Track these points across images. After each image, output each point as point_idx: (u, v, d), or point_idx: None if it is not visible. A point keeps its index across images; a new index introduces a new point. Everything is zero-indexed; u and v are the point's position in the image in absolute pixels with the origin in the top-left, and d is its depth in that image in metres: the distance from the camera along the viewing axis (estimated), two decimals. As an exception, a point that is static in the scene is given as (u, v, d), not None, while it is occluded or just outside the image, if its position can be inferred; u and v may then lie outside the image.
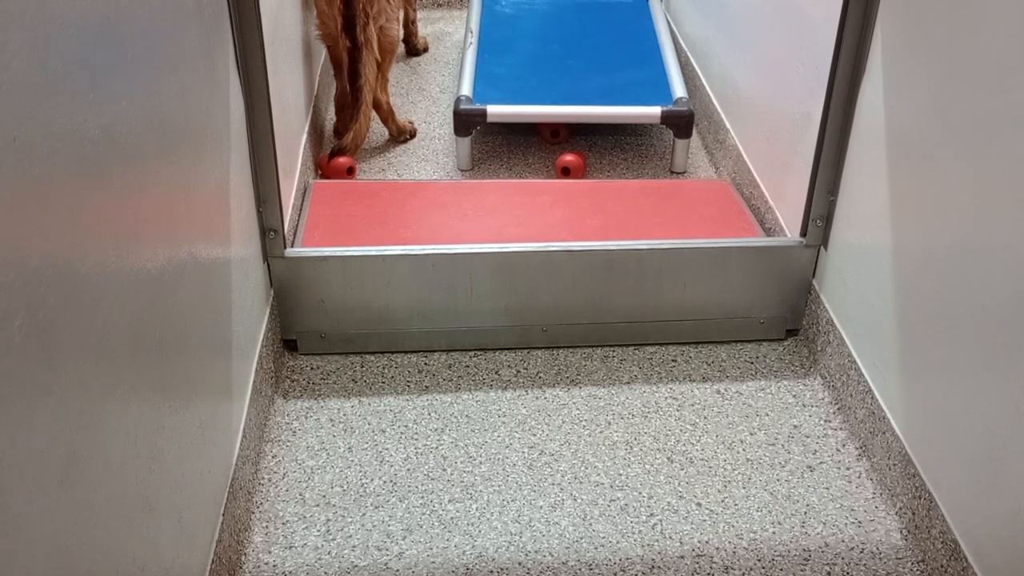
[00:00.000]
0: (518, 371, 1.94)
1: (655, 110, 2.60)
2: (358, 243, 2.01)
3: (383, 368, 1.95)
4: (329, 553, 1.54)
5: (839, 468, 1.72)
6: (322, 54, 2.91)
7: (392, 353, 1.98)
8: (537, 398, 1.87)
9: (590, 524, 1.60)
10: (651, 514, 1.62)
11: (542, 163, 2.72)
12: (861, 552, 1.56)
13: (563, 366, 1.96)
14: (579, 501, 1.64)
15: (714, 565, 1.53)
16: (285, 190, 1.96)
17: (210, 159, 1.43)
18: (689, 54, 3.07)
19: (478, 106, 2.60)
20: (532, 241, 1.97)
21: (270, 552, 1.54)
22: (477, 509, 1.63)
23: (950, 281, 1.44)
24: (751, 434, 1.79)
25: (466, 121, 2.61)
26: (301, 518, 1.60)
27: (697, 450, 1.75)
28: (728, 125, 2.62)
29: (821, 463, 1.73)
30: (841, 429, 1.80)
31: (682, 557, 1.54)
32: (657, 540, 1.57)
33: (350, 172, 2.57)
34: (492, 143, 2.82)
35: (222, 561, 1.41)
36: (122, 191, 1.03)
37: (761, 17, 2.36)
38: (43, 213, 0.82)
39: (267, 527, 1.59)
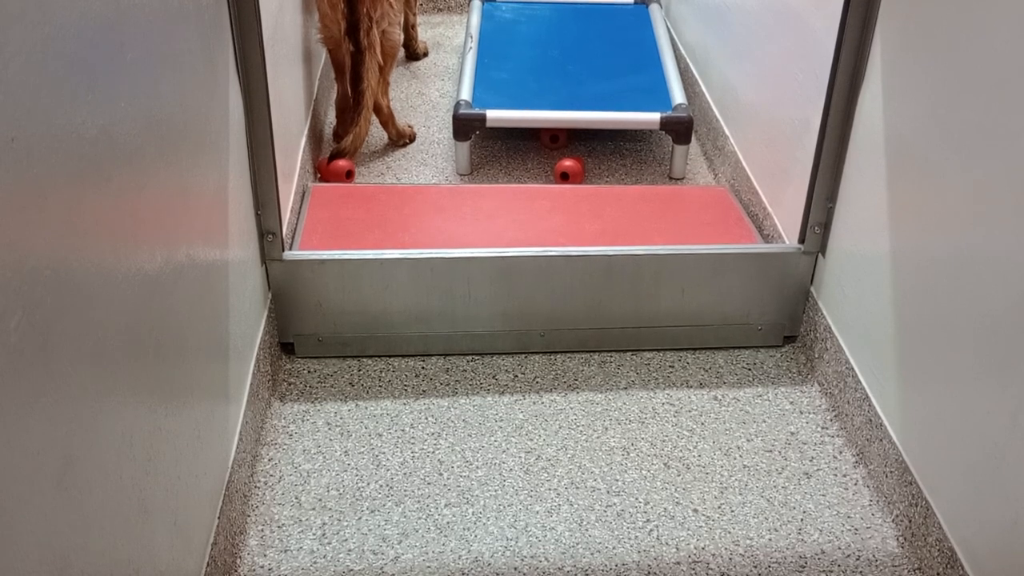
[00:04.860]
0: (515, 376, 1.94)
1: (654, 116, 2.61)
2: (356, 247, 2.01)
3: (380, 372, 1.94)
4: (324, 557, 1.54)
5: (836, 475, 1.72)
6: (322, 57, 2.91)
7: (389, 357, 1.98)
8: (534, 403, 1.87)
9: (586, 530, 1.60)
10: (647, 520, 1.62)
11: (541, 168, 2.72)
12: (857, 559, 1.56)
13: (560, 371, 1.95)
14: (575, 506, 1.64)
15: (710, 571, 1.53)
16: (284, 193, 1.95)
17: (209, 161, 1.43)
18: (688, 61, 3.07)
19: (477, 111, 2.61)
20: (530, 246, 1.97)
21: (265, 555, 1.54)
22: (473, 514, 1.62)
23: (948, 289, 1.44)
24: (748, 440, 1.79)
25: (465, 126, 2.61)
26: (297, 521, 1.60)
27: (694, 456, 1.75)
28: (727, 132, 2.62)
29: (818, 470, 1.73)
30: (838, 436, 1.80)
31: (678, 563, 1.54)
32: (653, 546, 1.57)
33: (349, 176, 2.57)
34: (491, 148, 2.82)
35: (217, 564, 1.40)
36: (120, 192, 1.03)
37: (761, 24, 2.37)
38: (41, 213, 0.82)
39: (263, 530, 1.58)
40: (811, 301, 1.98)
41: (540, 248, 1.93)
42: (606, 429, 1.81)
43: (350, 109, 2.61)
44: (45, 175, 0.83)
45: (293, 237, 2.11)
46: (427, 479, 1.69)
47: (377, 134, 2.81)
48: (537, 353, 2.00)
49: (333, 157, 2.57)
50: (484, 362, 1.98)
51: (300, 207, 2.26)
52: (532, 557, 1.55)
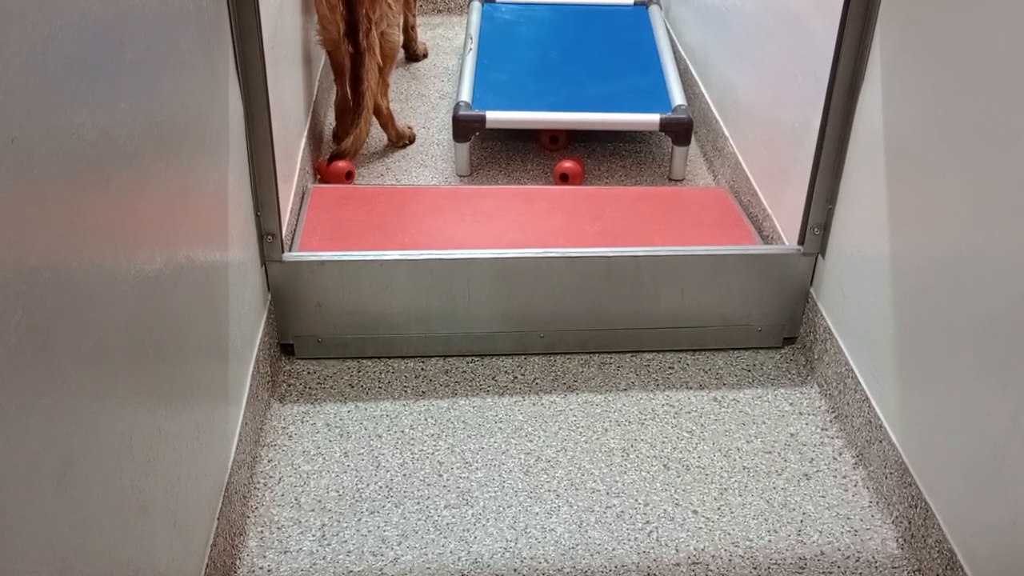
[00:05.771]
0: (515, 377, 1.94)
1: (654, 117, 2.61)
2: (356, 248, 2.01)
3: (380, 373, 1.94)
4: (324, 558, 1.54)
5: (835, 476, 1.72)
6: (322, 59, 2.91)
7: (389, 358, 1.98)
8: (534, 404, 1.87)
9: (586, 531, 1.60)
10: (647, 521, 1.62)
11: (541, 169, 2.72)
12: (857, 561, 1.56)
13: (560, 372, 1.95)
14: (575, 508, 1.64)
15: (710, 573, 1.53)
16: (283, 194, 1.95)
17: (209, 162, 1.43)
18: (688, 62, 3.07)
19: (477, 112, 2.61)
20: (530, 247, 1.97)
21: (265, 556, 1.54)
22: (473, 515, 1.62)
23: (948, 290, 1.44)
24: (748, 442, 1.79)
25: (465, 127, 2.61)
26: (296, 523, 1.60)
27: (693, 457, 1.75)
28: (727, 133, 2.62)
29: (817, 471, 1.73)
30: (838, 437, 1.80)
31: (678, 564, 1.54)
32: (653, 547, 1.57)
33: (349, 177, 2.57)
34: (491, 149, 2.82)
35: (217, 565, 1.40)
36: (120, 193, 1.03)
37: (760, 26, 2.37)
38: (41, 214, 0.82)
39: (262, 531, 1.58)
40: (811, 302, 1.98)
41: (540, 249, 1.93)
42: (606, 430, 1.81)
43: (350, 111, 2.61)
44: (45, 176, 0.83)
45: (293, 238, 2.11)
46: (427, 480, 1.69)
47: (377, 135, 2.81)
48: (537, 354, 2.00)
49: (333, 158, 2.57)
50: (484, 363, 1.98)
51: (300, 208, 2.26)
52: (532, 558, 1.55)
